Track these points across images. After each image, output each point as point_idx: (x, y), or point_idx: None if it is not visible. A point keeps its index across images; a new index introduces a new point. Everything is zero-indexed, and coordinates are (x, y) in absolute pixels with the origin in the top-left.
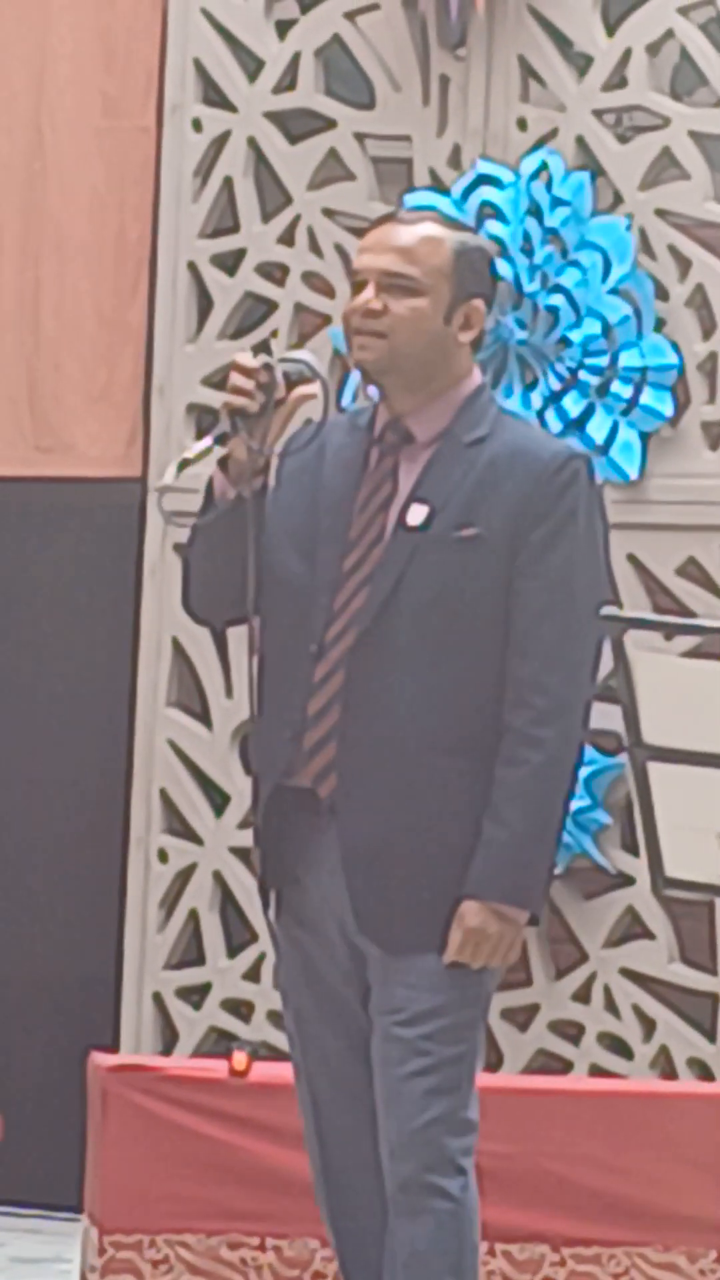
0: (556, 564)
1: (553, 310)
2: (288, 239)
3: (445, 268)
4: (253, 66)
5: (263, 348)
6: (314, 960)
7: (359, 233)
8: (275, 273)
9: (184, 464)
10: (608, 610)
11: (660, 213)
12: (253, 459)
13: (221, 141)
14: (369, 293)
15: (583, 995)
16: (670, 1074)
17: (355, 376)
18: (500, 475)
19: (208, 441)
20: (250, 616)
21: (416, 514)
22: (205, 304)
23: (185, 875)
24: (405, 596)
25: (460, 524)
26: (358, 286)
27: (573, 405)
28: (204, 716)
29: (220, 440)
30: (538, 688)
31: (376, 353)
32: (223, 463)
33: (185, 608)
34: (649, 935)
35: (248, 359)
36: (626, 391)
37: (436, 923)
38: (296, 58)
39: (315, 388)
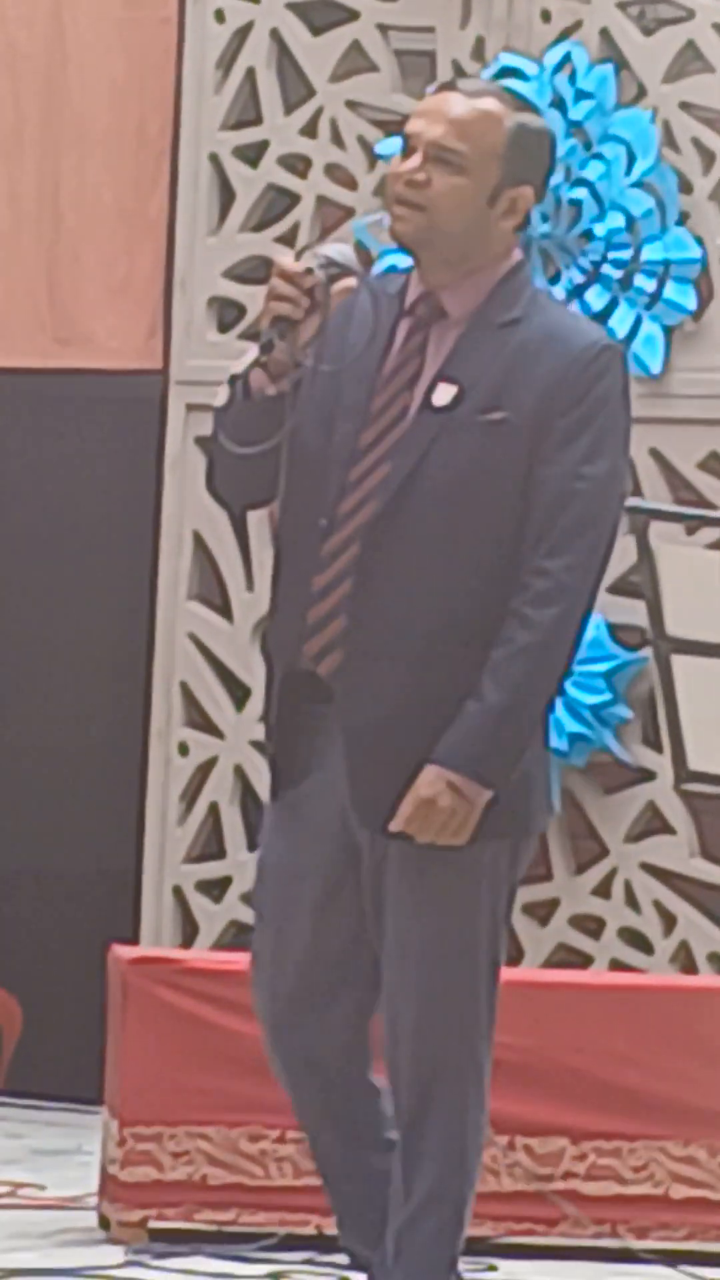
0: (578, 452)
1: (576, 204)
2: (310, 131)
3: (498, 147)
4: None
5: (286, 241)
6: (302, 846)
7: (382, 125)
8: (298, 165)
9: (234, 379)
10: (632, 501)
11: (684, 105)
12: (295, 360)
13: (244, 33)
14: (415, 161)
15: (603, 890)
16: (690, 968)
17: (380, 265)
18: (531, 359)
19: (254, 353)
20: (277, 503)
21: (443, 394)
22: (227, 196)
23: (205, 769)
24: (427, 477)
25: (488, 406)
26: (408, 151)
27: (595, 299)
28: (225, 610)
29: (266, 348)
30: (539, 571)
31: (414, 225)
32: (260, 364)
33: (209, 488)
34: (669, 830)
35: (290, 263)
36: (650, 285)
37: None
38: None
39: (352, 281)
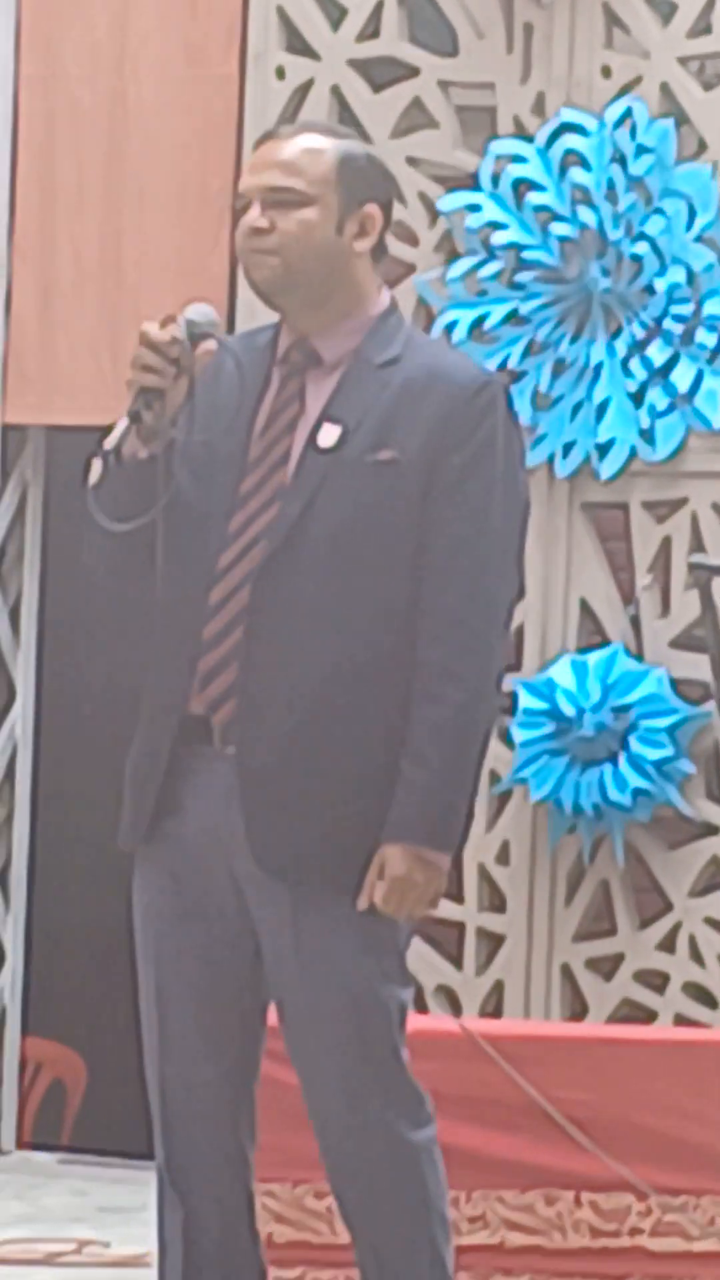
0: (475, 492)
1: (637, 258)
2: None
3: (330, 175)
4: (336, 14)
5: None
6: (192, 896)
7: (443, 181)
8: None
9: (107, 455)
10: (696, 558)
11: None
12: (163, 424)
13: (305, 89)
14: (254, 211)
15: (667, 944)
16: None
17: (441, 321)
18: (416, 398)
19: (123, 424)
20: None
21: (328, 435)
22: None
23: None
24: (316, 519)
25: (375, 446)
26: (243, 209)
27: (657, 354)
28: None
29: (135, 419)
30: (456, 622)
31: (269, 271)
32: (137, 433)
33: (88, 568)
34: None
35: (156, 331)
36: (711, 339)
37: (331, 855)
38: (380, 5)
39: (212, 344)
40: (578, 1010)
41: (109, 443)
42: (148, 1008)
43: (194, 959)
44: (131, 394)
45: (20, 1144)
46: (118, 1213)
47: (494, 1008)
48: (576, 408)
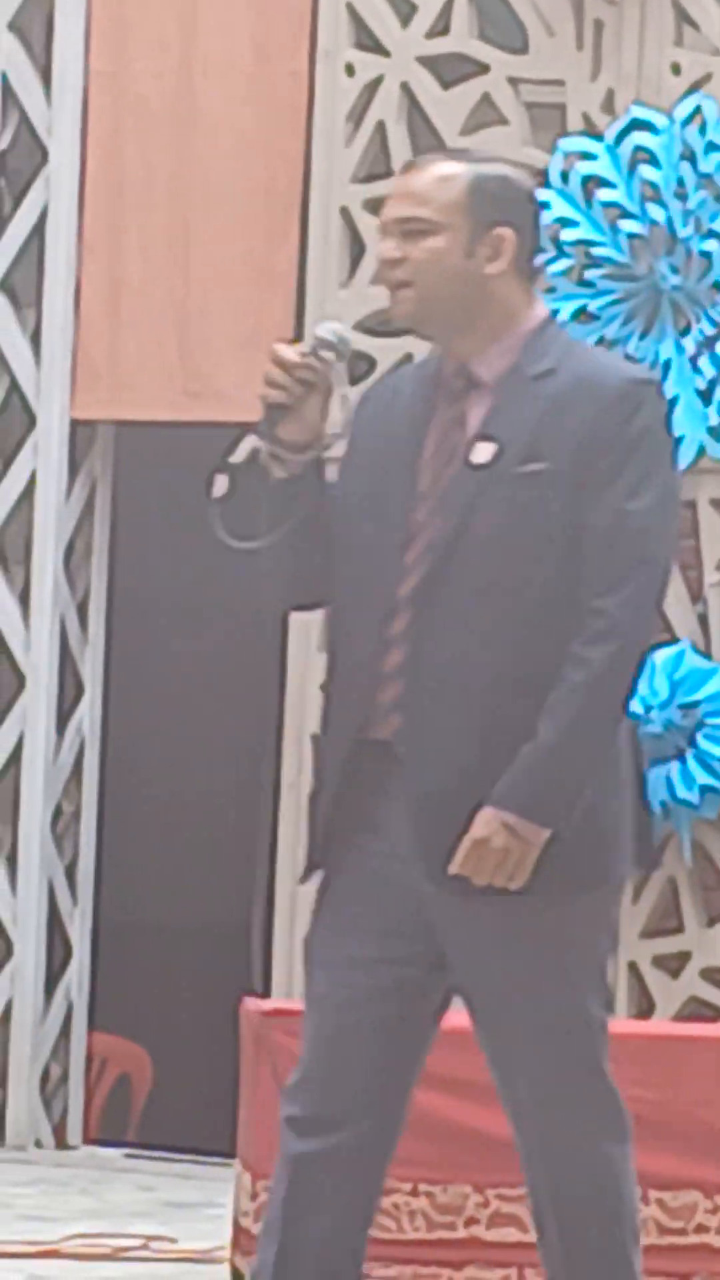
0: (621, 491)
1: (706, 255)
2: None
3: (459, 201)
4: (405, 10)
5: None
6: (360, 900)
7: None
8: None
9: (232, 469)
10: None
11: None
12: (300, 443)
13: (374, 86)
14: (388, 243)
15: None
16: None
17: None
18: (565, 407)
19: (251, 441)
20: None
21: (482, 452)
22: (357, 249)
23: None
24: (472, 535)
25: (525, 459)
26: (384, 240)
27: None
28: None
29: (261, 434)
30: (594, 611)
31: (407, 303)
32: (273, 454)
33: (277, 600)
34: None
35: (288, 352)
36: None
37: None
38: (450, 2)
39: (330, 355)
40: (644, 1008)
41: (235, 457)
42: (311, 1003)
43: (361, 966)
44: (263, 412)
45: (87, 1139)
46: (184, 1208)
47: None
48: None
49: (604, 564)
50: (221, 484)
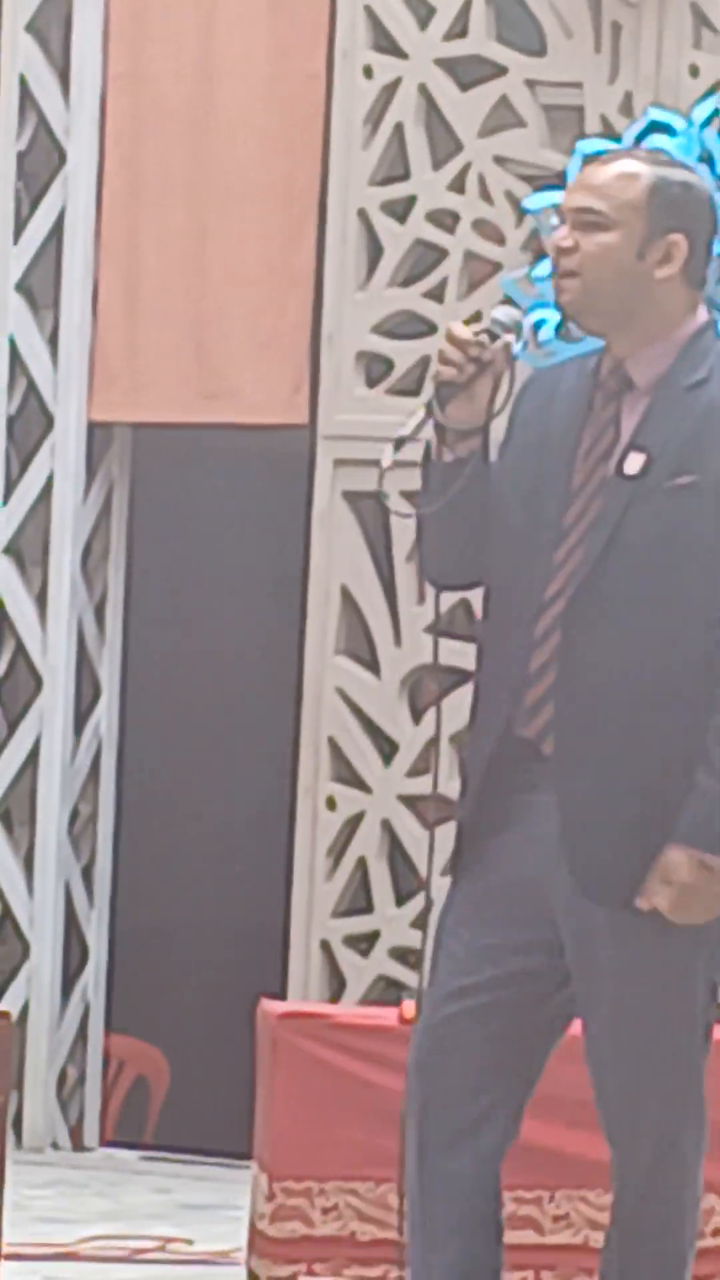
0: None
1: None
2: (458, 186)
3: (638, 201)
4: (424, 13)
5: (435, 296)
6: (496, 893)
7: (530, 180)
8: (446, 220)
9: (400, 442)
10: None
11: None
12: (470, 426)
13: (392, 88)
14: (563, 230)
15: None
16: None
17: (529, 320)
18: (717, 420)
19: (419, 416)
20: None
21: (634, 463)
22: (375, 251)
23: (354, 823)
24: (621, 548)
25: (676, 471)
26: (560, 228)
27: None
28: (373, 665)
29: (429, 410)
30: None
31: (571, 293)
32: (438, 428)
33: (422, 575)
34: None
35: (462, 330)
36: None
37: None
38: (468, 4)
39: (509, 338)
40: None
41: (403, 430)
42: (433, 992)
43: (487, 960)
44: (433, 389)
45: (103, 1141)
46: (200, 1210)
47: None
48: None
49: None
50: (388, 456)
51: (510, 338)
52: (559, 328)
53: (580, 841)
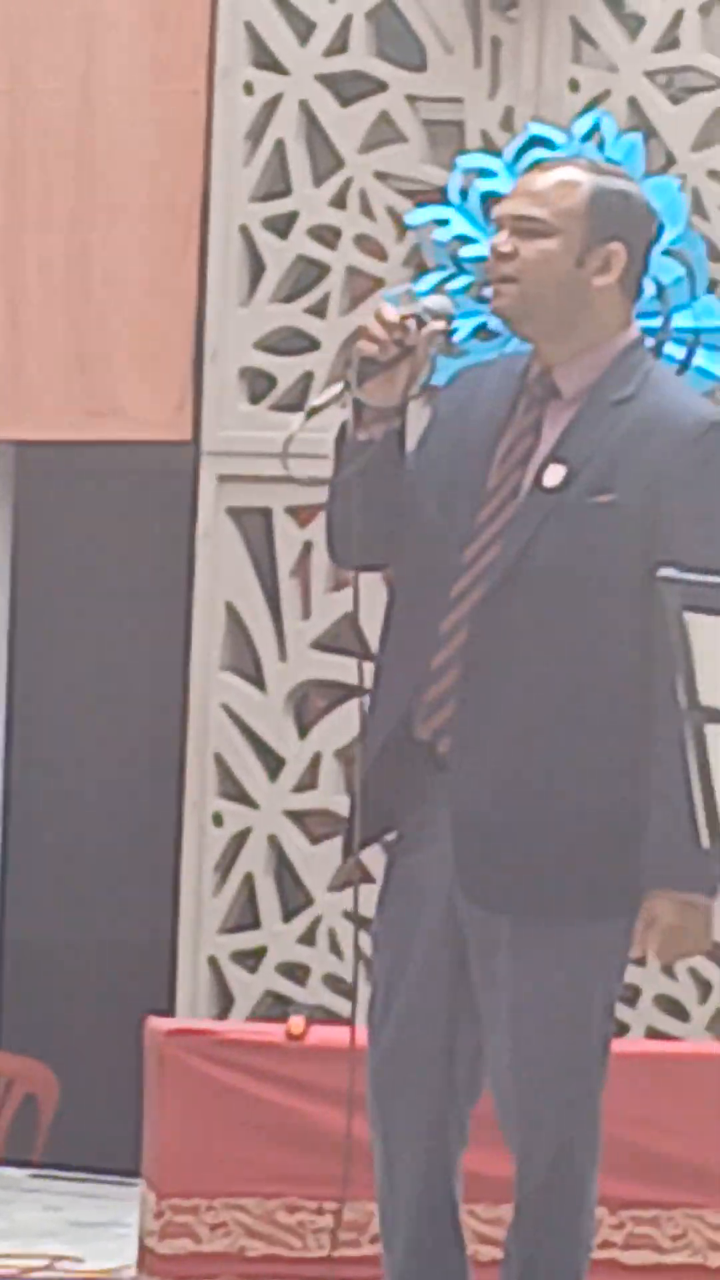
0: (699, 537)
1: None
2: (339, 202)
3: (578, 209)
4: (304, 29)
5: (316, 312)
6: (414, 911)
7: (411, 195)
8: (327, 235)
9: (311, 411)
10: (666, 571)
11: (713, 173)
12: (386, 409)
13: (273, 104)
14: (502, 235)
15: (638, 958)
16: None
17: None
18: (640, 440)
19: (336, 388)
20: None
21: (554, 475)
22: (257, 267)
23: (240, 839)
24: (535, 559)
25: (597, 488)
26: (498, 233)
27: None
28: (258, 680)
29: (347, 386)
30: None
31: (509, 297)
32: (356, 406)
33: (330, 553)
34: None
35: (390, 311)
36: (679, 353)
37: (546, 895)
38: (348, 20)
39: (441, 324)
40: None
41: (316, 400)
42: (371, 1015)
43: (413, 978)
44: (352, 363)
45: None
46: (90, 1228)
47: None
48: None
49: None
50: (297, 422)
51: (440, 325)
52: (475, 331)
53: (470, 847)
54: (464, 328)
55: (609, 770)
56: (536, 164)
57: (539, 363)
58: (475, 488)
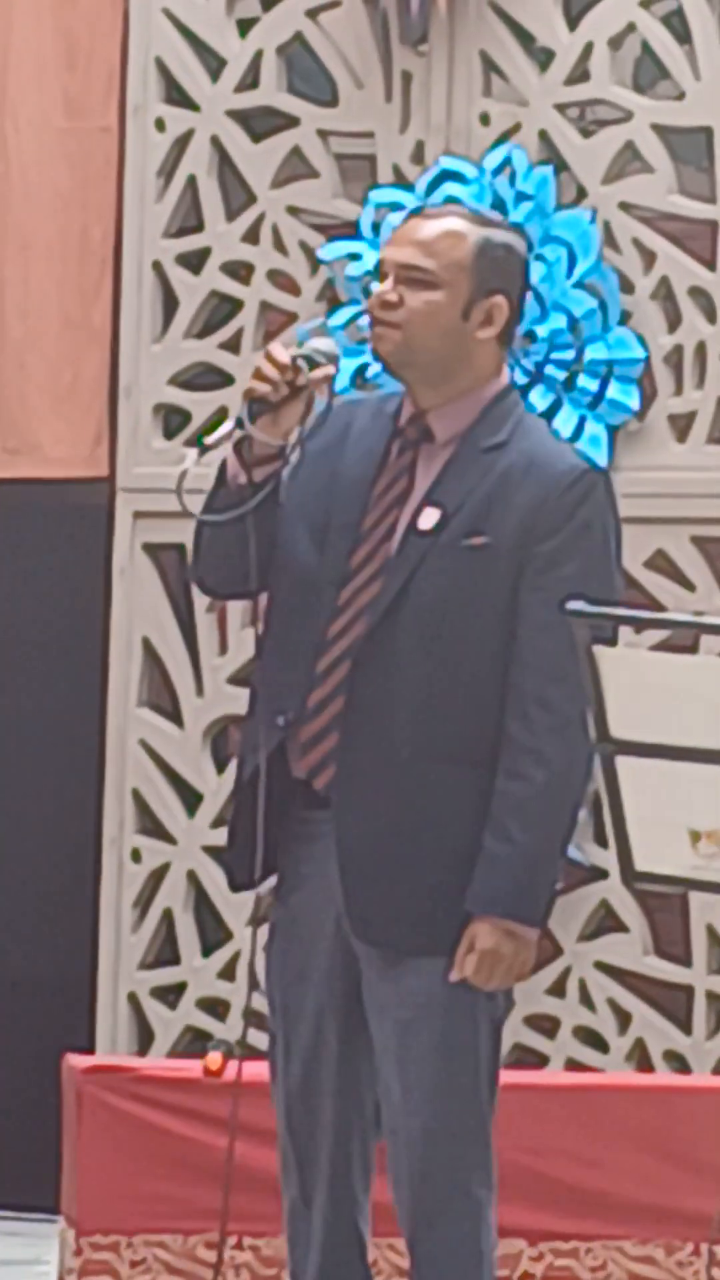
0: (564, 577)
1: None
2: (252, 237)
3: (465, 261)
4: (215, 65)
5: (230, 347)
6: (303, 949)
7: (323, 230)
8: (240, 271)
9: (204, 448)
10: (575, 604)
11: (624, 206)
12: (271, 448)
13: (185, 141)
14: (388, 284)
15: (558, 989)
16: (646, 1067)
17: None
18: (513, 486)
19: (228, 426)
20: (255, 596)
21: (428, 518)
22: (171, 303)
23: (159, 875)
24: (413, 599)
25: (470, 531)
26: (381, 279)
27: (539, 399)
28: (175, 716)
29: (239, 425)
30: (540, 701)
31: (392, 344)
32: (238, 447)
33: (193, 577)
34: (623, 929)
35: (281, 352)
36: (593, 385)
37: (428, 928)
38: (259, 56)
39: (331, 369)
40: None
41: (209, 439)
42: (273, 1054)
43: (309, 1015)
44: (244, 403)
45: None
46: (9, 1266)
47: None
48: None
49: (543, 652)
50: (190, 458)
51: (330, 369)
52: (355, 374)
53: (355, 884)
54: (346, 370)
55: (480, 808)
56: (414, 212)
57: (412, 406)
58: (351, 527)
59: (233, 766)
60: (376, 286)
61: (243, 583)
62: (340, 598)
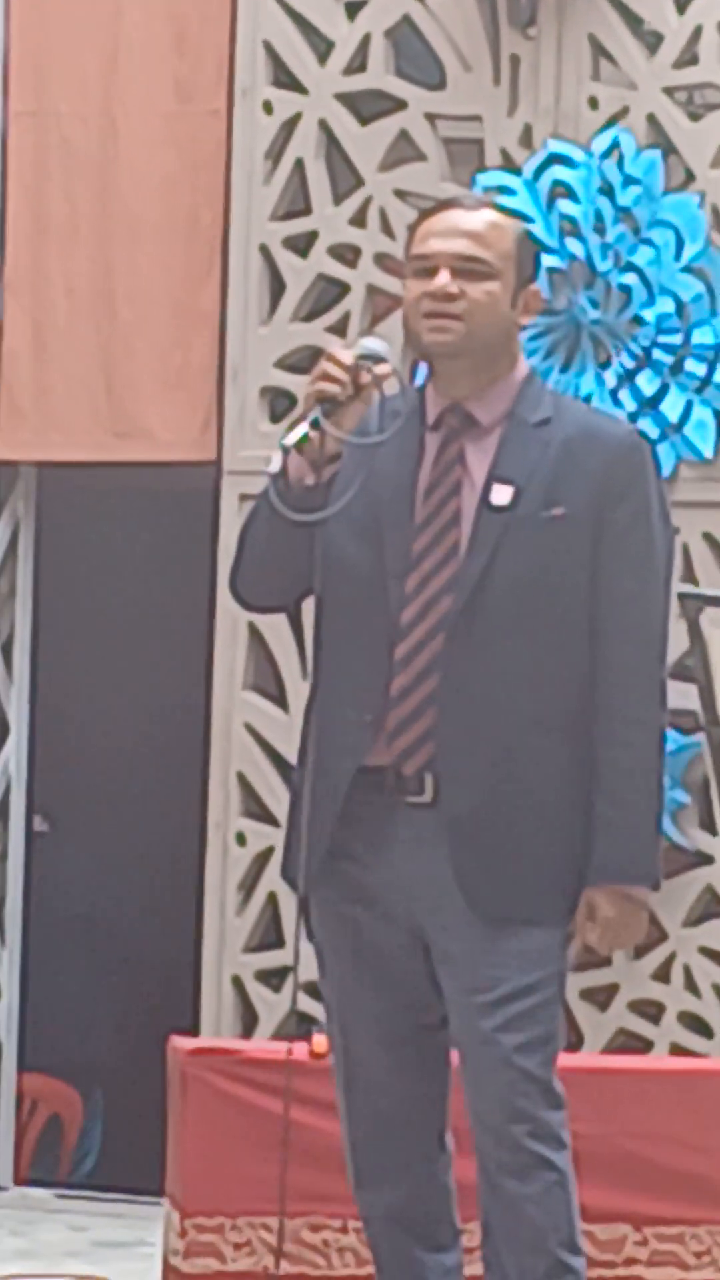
0: (639, 545)
1: (625, 289)
2: (359, 220)
3: (511, 252)
4: (323, 48)
5: (337, 330)
6: (369, 937)
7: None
8: (347, 254)
9: (286, 450)
10: (684, 588)
11: None
12: (335, 448)
13: (292, 124)
14: (444, 277)
15: (662, 974)
16: None
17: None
18: (578, 455)
19: (304, 428)
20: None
21: (502, 494)
22: (278, 287)
23: (263, 858)
24: (499, 573)
25: (547, 503)
26: (427, 271)
27: (646, 384)
28: (280, 699)
29: (315, 425)
30: (634, 670)
31: (454, 335)
32: (298, 448)
33: (231, 587)
34: None
35: (344, 354)
36: (700, 369)
37: (539, 896)
38: (367, 39)
39: (387, 368)
40: (573, 1041)
41: (288, 440)
42: (333, 1038)
43: (371, 996)
44: (309, 404)
45: (18, 1180)
46: (115, 1247)
47: None
48: None
49: (629, 619)
50: (277, 460)
51: (389, 367)
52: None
53: (466, 858)
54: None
55: (580, 776)
56: (447, 204)
57: (441, 398)
58: (402, 523)
59: None
60: (444, 281)
61: (291, 589)
62: (407, 586)
